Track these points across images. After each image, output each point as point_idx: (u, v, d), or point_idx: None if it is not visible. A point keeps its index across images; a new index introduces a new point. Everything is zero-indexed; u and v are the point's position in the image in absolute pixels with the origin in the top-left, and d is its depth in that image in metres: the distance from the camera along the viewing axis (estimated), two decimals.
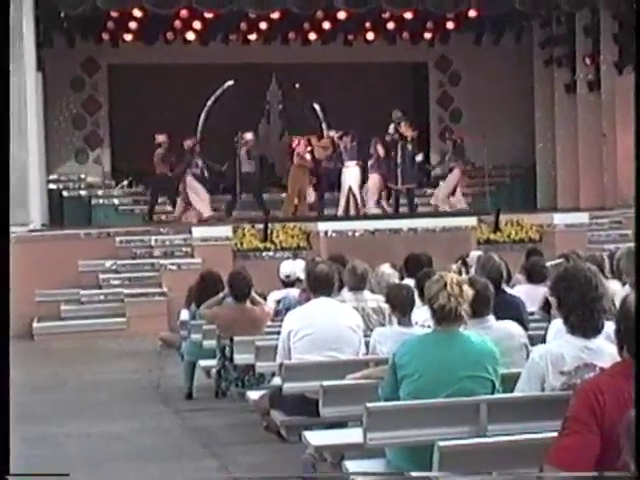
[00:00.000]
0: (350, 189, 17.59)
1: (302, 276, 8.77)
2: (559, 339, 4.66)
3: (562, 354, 4.42)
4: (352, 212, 17.48)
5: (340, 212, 17.55)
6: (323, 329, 6.30)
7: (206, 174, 18.06)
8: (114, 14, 18.36)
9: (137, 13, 17.93)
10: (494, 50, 20.79)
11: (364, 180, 17.83)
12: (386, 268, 8.34)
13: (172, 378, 10.04)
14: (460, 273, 8.01)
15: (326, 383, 5.62)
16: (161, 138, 17.92)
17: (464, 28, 20.12)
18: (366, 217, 17.06)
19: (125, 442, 7.61)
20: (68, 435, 7.84)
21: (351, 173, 17.64)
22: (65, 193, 19.53)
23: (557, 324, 4.91)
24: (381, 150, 17.83)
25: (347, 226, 15.67)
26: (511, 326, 5.83)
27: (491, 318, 5.76)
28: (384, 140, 17.93)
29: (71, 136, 20.16)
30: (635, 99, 5.39)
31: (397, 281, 8.10)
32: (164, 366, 10.79)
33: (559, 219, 16.27)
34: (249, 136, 18.45)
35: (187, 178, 17.63)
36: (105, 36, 19.60)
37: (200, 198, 17.62)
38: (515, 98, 20.78)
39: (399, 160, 17.61)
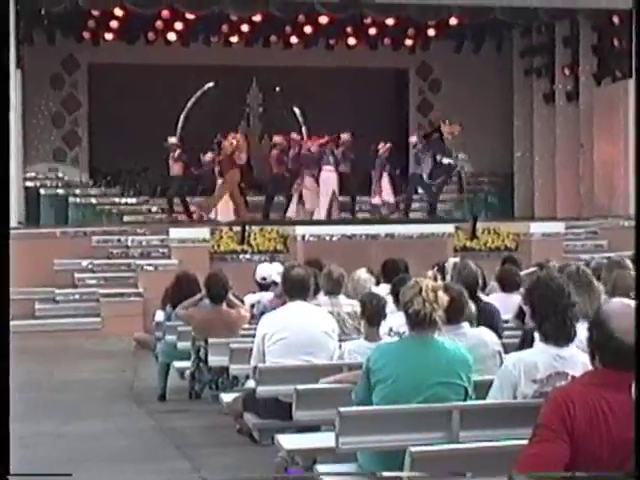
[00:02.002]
0: (334, 193, 17.72)
1: (278, 279, 8.76)
2: (531, 348, 4.70)
3: (535, 362, 4.46)
4: (334, 216, 17.63)
5: (322, 216, 17.63)
6: (298, 333, 6.31)
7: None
8: (95, 12, 18.33)
9: (118, 12, 17.90)
10: (474, 58, 20.91)
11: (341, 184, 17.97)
12: (362, 273, 8.35)
13: (146, 379, 10.01)
14: (436, 279, 8.02)
15: (300, 387, 5.62)
16: (173, 140, 18.28)
17: (445, 35, 20.22)
18: (344, 222, 17.13)
19: (98, 443, 7.59)
20: (41, 434, 7.81)
21: (332, 177, 17.74)
22: (42, 191, 19.45)
23: (528, 336, 4.94)
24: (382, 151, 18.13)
25: (324, 230, 15.69)
26: (485, 333, 5.86)
27: (465, 325, 5.79)
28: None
29: (50, 134, 20.08)
30: (635, 100, 5.42)
31: (373, 286, 8.11)
32: (138, 367, 10.76)
33: (535, 228, 16.36)
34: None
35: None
36: (86, 34, 19.55)
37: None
38: (494, 107, 20.89)
39: (429, 159, 18.03)
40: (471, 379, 4.90)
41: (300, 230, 15.47)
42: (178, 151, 18.27)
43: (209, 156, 18.45)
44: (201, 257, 14.63)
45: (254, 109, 21.48)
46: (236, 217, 17.43)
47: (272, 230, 15.68)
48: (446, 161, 18.20)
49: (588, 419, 3.07)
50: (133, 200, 19.86)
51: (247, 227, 15.58)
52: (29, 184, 19.00)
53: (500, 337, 6.29)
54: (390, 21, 19.13)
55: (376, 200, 18.67)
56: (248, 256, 15.21)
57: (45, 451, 7.29)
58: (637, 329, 3.06)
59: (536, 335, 4.76)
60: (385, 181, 18.59)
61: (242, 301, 8.98)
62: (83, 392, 9.69)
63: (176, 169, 18.32)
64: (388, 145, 18.52)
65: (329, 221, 17.22)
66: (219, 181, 18.03)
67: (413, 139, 19.30)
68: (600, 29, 18.52)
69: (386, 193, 18.58)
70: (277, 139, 18.59)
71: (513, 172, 21.05)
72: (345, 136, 18.12)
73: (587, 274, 6.00)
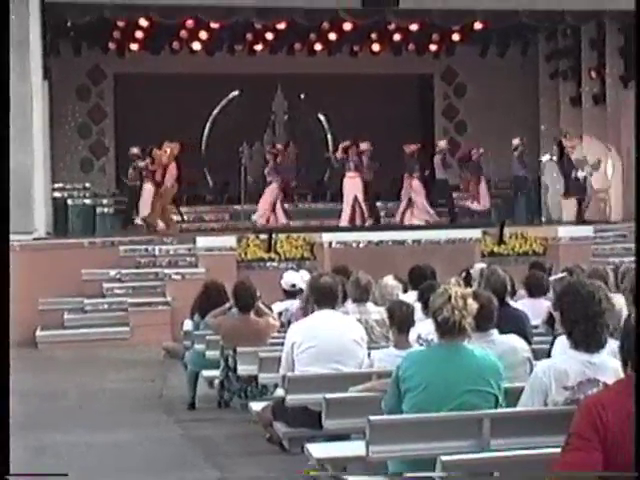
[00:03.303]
0: (356, 198, 17.71)
1: (304, 287, 8.74)
2: (562, 354, 4.66)
3: (565, 369, 4.42)
4: (358, 222, 17.62)
5: (344, 222, 17.62)
6: (327, 341, 6.30)
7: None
8: (121, 23, 18.43)
9: (143, 23, 18.00)
10: (500, 62, 20.84)
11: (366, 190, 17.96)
12: (390, 280, 8.33)
13: (175, 388, 10.04)
14: (462, 285, 7.98)
15: (329, 395, 5.61)
16: (135, 151, 18.26)
17: (470, 40, 20.16)
18: (371, 228, 17.12)
19: (127, 452, 7.61)
20: (71, 444, 7.84)
21: (355, 183, 17.76)
22: (70, 202, 19.56)
23: (559, 343, 4.90)
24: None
25: (351, 237, 15.67)
26: (515, 340, 5.82)
27: (495, 332, 5.76)
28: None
29: (76, 145, 20.20)
30: (635, 101, 5.40)
31: (401, 293, 8.08)
32: (167, 376, 10.79)
33: (563, 232, 16.26)
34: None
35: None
36: (111, 45, 19.68)
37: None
38: (520, 110, 20.81)
39: (565, 172, 18.20)
40: (501, 387, 4.87)
41: (326, 237, 15.46)
42: (139, 162, 18.04)
43: (140, 165, 18.00)
44: (228, 265, 14.65)
45: (279, 117, 21.52)
46: (167, 229, 17.04)
47: (298, 237, 15.68)
48: (581, 175, 18.26)
49: (620, 426, 3.04)
50: None
51: (274, 235, 15.59)
52: (57, 195, 19.11)
53: (529, 343, 6.25)
54: (414, 27, 19.12)
55: (475, 206, 18.78)
56: (275, 264, 15.22)
57: (76, 460, 7.32)
58: (637, 329, 3.04)
59: (563, 340, 4.73)
60: (483, 187, 18.76)
61: (270, 309, 8.98)
62: (112, 401, 9.74)
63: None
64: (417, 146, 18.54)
65: (355, 227, 17.21)
66: (148, 190, 17.57)
67: (442, 143, 19.29)
68: (627, 31, 18.39)
69: (483, 199, 18.76)
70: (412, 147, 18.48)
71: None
72: (364, 145, 18.07)
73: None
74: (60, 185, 19.55)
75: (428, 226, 17.39)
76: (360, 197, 17.78)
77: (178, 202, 18.37)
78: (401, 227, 17.44)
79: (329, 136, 20.80)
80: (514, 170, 19.24)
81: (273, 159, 18.53)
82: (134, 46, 19.59)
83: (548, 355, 5.42)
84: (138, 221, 17.63)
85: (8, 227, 3.65)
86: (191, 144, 18.64)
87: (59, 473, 3.49)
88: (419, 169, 18.43)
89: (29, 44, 15.49)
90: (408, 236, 15.80)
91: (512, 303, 7.64)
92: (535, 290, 8.48)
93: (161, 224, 17.28)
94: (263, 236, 15.62)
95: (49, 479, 4.62)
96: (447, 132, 21.69)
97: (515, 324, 6.49)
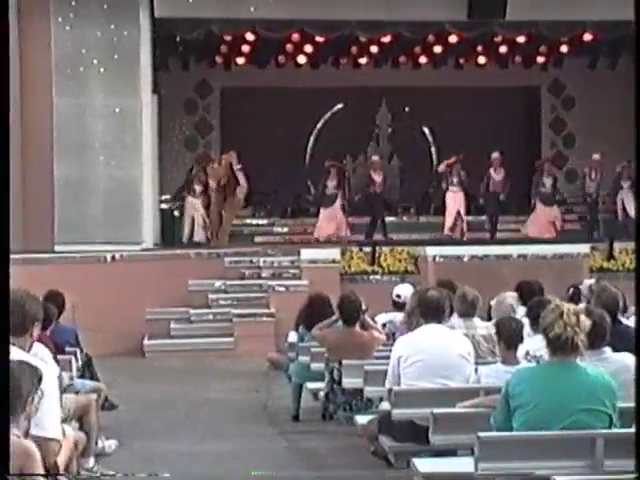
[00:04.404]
0: (459, 213, 17.71)
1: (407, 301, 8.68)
2: None
3: None
4: (457, 236, 17.58)
5: (446, 232, 17.74)
6: (434, 356, 6.24)
7: None
8: (227, 38, 18.69)
9: (250, 37, 18.21)
10: (610, 75, 20.39)
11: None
12: (509, 297, 8.14)
13: (279, 399, 10.08)
14: (570, 302, 7.80)
15: (436, 410, 5.56)
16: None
17: (579, 52, 19.80)
18: (476, 242, 16.98)
19: (233, 463, 7.65)
20: (178, 453, 7.93)
21: (457, 197, 17.88)
22: (177, 213, 19.88)
23: None
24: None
25: (455, 251, 15.52)
26: (628, 358, 5.67)
27: (607, 350, 5.62)
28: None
29: (183, 157, 20.55)
30: (635, 103, 5.20)
31: (520, 309, 7.88)
32: (271, 387, 10.85)
33: None
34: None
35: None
36: (218, 59, 19.97)
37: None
38: (630, 124, 20.27)
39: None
40: (616, 406, 4.75)
41: (430, 251, 15.36)
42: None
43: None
44: (332, 278, 14.66)
45: (383, 130, 21.51)
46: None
47: (402, 251, 15.62)
48: None
49: None
50: (264, 221, 20.09)
51: (377, 248, 15.57)
52: (164, 206, 19.44)
53: None
54: (521, 39, 18.87)
55: None
56: (378, 277, 15.20)
57: (181, 470, 7.40)
58: (637, 329, 2.92)
59: None
60: None
61: (376, 323, 8.95)
62: (217, 411, 9.82)
63: None
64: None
65: (462, 241, 17.11)
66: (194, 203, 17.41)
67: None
68: None
69: None
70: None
71: None
72: (495, 155, 18.22)
73: None
74: (167, 197, 19.90)
75: (535, 240, 17.13)
76: (462, 212, 17.81)
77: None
78: (506, 241, 17.19)
79: (433, 149, 20.68)
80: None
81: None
82: (240, 60, 19.85)
83: None
84: (197, 238, 17.42)
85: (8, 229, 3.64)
86: (296, 157, 18.76)
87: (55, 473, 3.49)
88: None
89: (140, 60, 15.86)
90: (514, 250, 15.56)
91: (624, 320, 7.46)
92: None
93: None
94: (367, 249, 15.61)
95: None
96: (555, 145, 21.34)
97: (628, 342, 6.32)
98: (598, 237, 17.21)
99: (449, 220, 17.94)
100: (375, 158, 19.09)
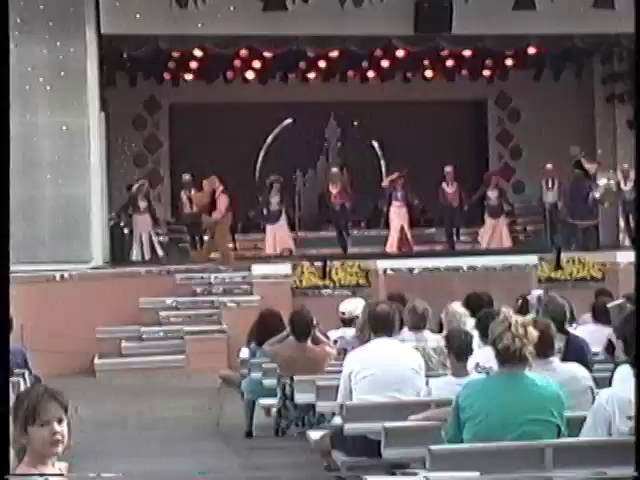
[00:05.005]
0: (402, 228, 17.94)
1: (359, 314, 8.71)
2: (625, 383, 4.58)
3: (629, 398, 4.35)
4: (404, 250, 17.77)
5: (390, 249, 17.97)
6: (385, 370, 6.27)
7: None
8: (175, 54, 18.64)
9: (198, 53, 18.18)
10: (554, 86, 20.67)
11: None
12: (458, 307, 8.21)
13: (232, 416, 10.01)
14: (519, 312, 7.86)
15: (388, 424, 5.58)
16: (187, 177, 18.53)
17: (523, 64, 20.05)
18: (427, 255, 17.09)
19: None
20: (131, 473, 7.85)
21: (401, 212, 18.15)
22: (126, 230, 19.74)
23: (622, 371, 4.81)
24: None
25: (405, 264, 15.61)
26: (576, 368, 5.75)
27: (555, 359, 5.69)
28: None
29: (132, 174, 20.42)
30: (635, 105, 5.30)
31: (469, 320, 7.94)
32: (224, 404, 10.79)
33: (622, 257, 16.03)
34: None
35: None
36: (166, 75, 19.89)
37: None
38: (576, 135, 20.61)
39: (576, 195, 18.23)
40: (564, 416, 4.81)
41: (381, 264, 15.42)
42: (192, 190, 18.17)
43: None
44: (283, 293, 14.67)
45: (332, 144, 21.57)
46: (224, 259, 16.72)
47: (353, 264, 15.67)
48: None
49: None
50: None
51: (328, 262, 15.60)
52: (113, 224, 19.30)
53: (590, 371, 6.16)
54: (467, 52, 19.07)
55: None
56: (330, 291, 15.22)
57: None
58: (637, 329, 2.98)
59: (625, 368, 4.65)
60: None
61: (327, 337, 8.96)
62: (170, 430, 9.76)
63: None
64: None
65: (410, 254, 17.23)
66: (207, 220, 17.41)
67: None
68: None
69: None
70: None
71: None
72: (448, 169, 18.54)
73: None
74: (113, 215, 19.75)
75: (484, 252, 17.29)
76: (406, 226, 18.13)
77: (233, 231, 18.43)
78: (456, 253, 17.35)
79: (382, 163, 20.78)
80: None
81: None
82: (189, 76, 19.79)
83: (609, 383, 5.33)
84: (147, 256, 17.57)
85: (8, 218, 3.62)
86: (245, 172, 18.73)
87: (56, 474, 3.45)
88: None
89: (86, 77, 15.74)
90: (463, 262, 15.70)
91: (572, 330, 7.55)
92: (602, 317, 8.35)
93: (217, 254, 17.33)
94: (318, 263, 15.63)
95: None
96: (502, 157, 21.57)
97: (575, 352, 6.41)
98: (559, 244, 17.36)
99: (394, 236, 18.17)
100: (334, 170, 19.22)
